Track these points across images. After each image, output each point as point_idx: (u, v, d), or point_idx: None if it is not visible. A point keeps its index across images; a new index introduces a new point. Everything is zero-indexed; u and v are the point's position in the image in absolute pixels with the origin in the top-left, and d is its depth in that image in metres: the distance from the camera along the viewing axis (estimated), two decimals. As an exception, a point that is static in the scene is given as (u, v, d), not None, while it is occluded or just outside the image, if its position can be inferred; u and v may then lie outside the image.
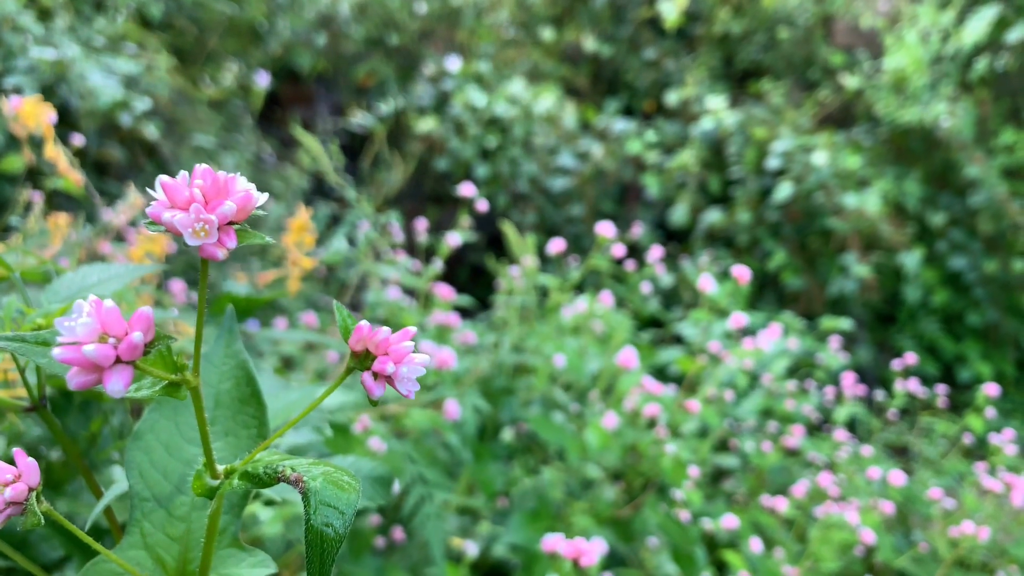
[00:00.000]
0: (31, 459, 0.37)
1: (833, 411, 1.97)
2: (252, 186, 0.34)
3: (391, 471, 0.61)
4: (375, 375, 0.37)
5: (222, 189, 0.33)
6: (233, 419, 0.48)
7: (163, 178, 0.32)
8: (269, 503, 0.92)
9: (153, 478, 0.45)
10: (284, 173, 2.95)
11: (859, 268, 3.15)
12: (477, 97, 3.67)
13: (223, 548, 0.44)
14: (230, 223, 0.33)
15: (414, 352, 0.38)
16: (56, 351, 0.29)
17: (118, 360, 0.30)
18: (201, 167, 0.33)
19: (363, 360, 0.38)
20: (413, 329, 0.39)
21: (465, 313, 2.04)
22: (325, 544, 0.34)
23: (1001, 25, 3.31)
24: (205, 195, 0.32)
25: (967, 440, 1.93)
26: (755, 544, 1.42)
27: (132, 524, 0.44)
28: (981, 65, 3.34)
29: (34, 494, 0.37)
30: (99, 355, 0.29)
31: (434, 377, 1.31)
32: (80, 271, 0.57)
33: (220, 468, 0.39)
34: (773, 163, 3.39)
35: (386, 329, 0.37)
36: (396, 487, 1.04)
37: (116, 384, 0.29)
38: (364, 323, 0.38)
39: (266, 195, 0.34)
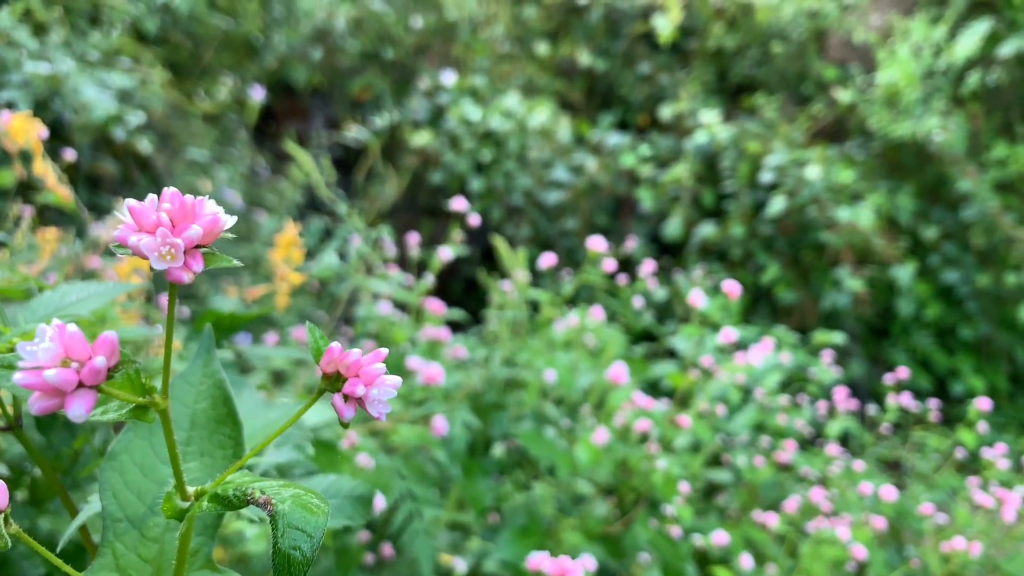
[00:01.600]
0: (0, 481, 0.37)
1: (826, 425, 1.97)
2: (220, 209, 0.34)
3: (372, 489, 0.61)
4: (345, 397, 0.37)
5: (189, 212, 0.33)
6: (209, 439, 0.48)
7: (130, 202, 0.32)
8: (256, 521, 0.92)
9: (126, 499, 0.45)
10: (278, 187, 2.95)
11: (852, 282, 3.15)
12: (472, 111, 3.68)
13: (196, 570, 0.44)
14: (197, 246, 0.33)
15: (385, 374, 0.38)
16: (17, 376, 0.29)
17: (80, 385, 0.30)
18: (169, 190, 0.33)
19: (334, 382, 0.38)
20: (384, 351, 0.39)
21: (458, 327, 2.04)
22: (292, 567, 0.34)
23: (993, 40, 3.33)
24: (172, 219, 0.32)
25: (959, 454, 1.93)
26: (746, 560, 1.41)
27: (104, 545, 0.44)
28: (973, 79, 3.36)
29: (2, 516, 0.37)
30: (61, 380, 0.29)
31: (423, 393, 1.31)
32: (60, 289, 0.57)
33: (191, 490, 0.39)
34: (766, 177, 3.40)
35: (357, 351, 0.37)
36: (382, 503, 1.04)
37: (78, 409, 0.29)
38: (335, 345, 0.38)
39: (234, 218, 0.34)
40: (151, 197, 0.33)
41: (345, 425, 0.38)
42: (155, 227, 0.32)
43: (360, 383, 0.37)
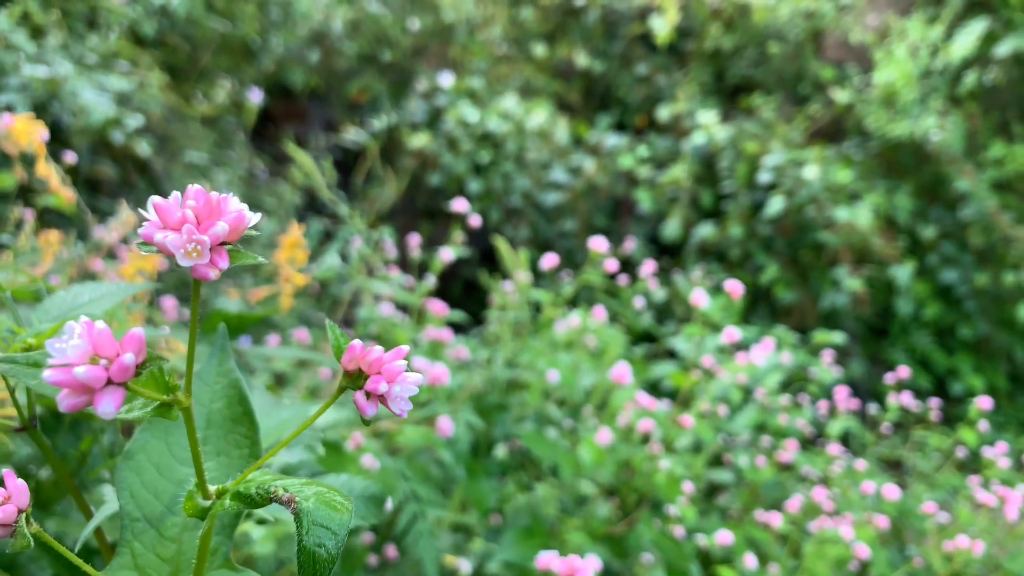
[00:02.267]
0: (20, 480, 0.36)
1: (827, 425, 1.97)
2: (244, 206, 0.34)
3: (384, 489, 0.61)
4: (368, 394, 0.37)
5: (215, 209, 0.33)
6: (225, 439, 0.48)
7: (155, 199, 0.32)
8: (261, 522, 0.92)
9: (144, 498, 0.45)
10: (277, 189, 2.95)
11: (851, 282, 3.16)
12: (470, 113, 3.68)
13: (215, 569, 0.44)
14: (222, 243, 0.33)
15: (407, 371, 0.38)
16: (46, 373, 0.29)
17: (109, 382, 0.30)
18: (194, 187, 0.33)
19: (356, 379, 0.38)
20: (406, 348, 0.38)
21: (459, 328, 2.04)
22: (318, 565, 0.34)
23: (989, 39, 3.34)
24: (197, 215, 0.32)
25: (960, 454, 1.93)
26: (750, 560, 1.41)
27: (122, 545, 0.44)
28: (970, 79, 3.37)
29: (24, 516, 0.36)
30: (90, 377, 0.29)
31: (427, 394, 1.31)
32: (71, 290, 0.57)
33: (212, 488, 0.39)
34: (764, 177, 3.41)
35: (379, 348, 0.37)
36: (388, 505, 1.04)
37: (107, 406, 0.29)
38: (357, 342, 0.38)
39: (259, 215, 0.34)
40: (175, 194, 0.33)
41: (367, 423, 0.38)
42: (181, 224, 0.32)
43: (383, 380, 0.37)
